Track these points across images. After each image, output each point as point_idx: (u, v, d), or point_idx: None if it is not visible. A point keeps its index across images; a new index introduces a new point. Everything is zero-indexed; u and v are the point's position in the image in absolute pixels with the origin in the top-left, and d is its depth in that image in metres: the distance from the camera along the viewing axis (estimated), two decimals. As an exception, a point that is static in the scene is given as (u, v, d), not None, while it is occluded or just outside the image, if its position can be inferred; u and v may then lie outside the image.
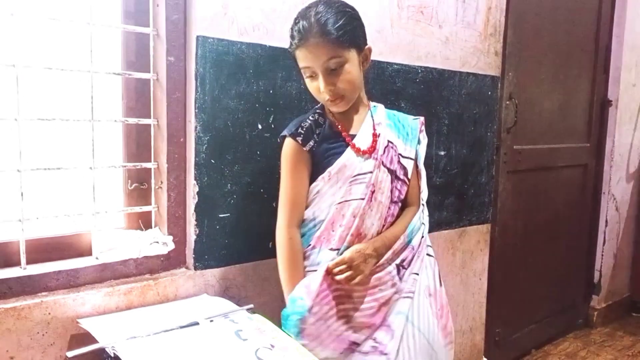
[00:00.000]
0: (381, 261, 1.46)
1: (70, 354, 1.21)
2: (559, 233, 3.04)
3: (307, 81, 1.44)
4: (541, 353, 2.95)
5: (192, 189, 1.53)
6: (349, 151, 1.46)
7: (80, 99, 1.44)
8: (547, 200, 2.92)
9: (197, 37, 1.48)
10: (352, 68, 1.40)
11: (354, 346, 1.44)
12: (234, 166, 1.59)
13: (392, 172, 1.50)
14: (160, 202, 1.57)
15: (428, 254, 1.58)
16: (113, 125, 1.55)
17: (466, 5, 2.20)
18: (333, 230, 1.45)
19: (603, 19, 3.10)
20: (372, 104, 1.58)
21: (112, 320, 1.34)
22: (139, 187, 1.60)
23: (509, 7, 2.39)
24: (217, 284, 1.60)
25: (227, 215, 1.59)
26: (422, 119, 1.63)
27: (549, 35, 2.74)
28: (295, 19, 1.39)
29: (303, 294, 1.39)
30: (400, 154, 1.52)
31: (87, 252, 1.48)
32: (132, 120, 1.53)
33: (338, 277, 1.39)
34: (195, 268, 1.56)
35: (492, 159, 2.43)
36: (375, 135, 1.50)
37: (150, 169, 1.56)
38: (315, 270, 1.43)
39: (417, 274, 1.53)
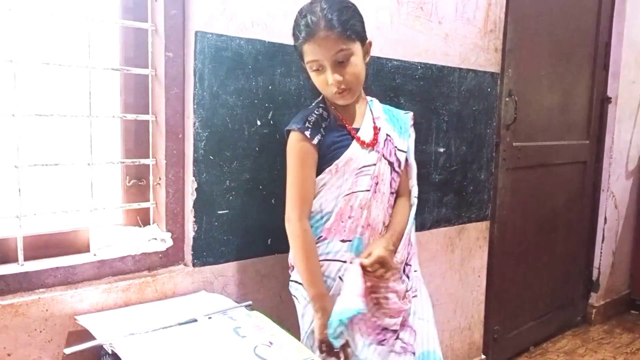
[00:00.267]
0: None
1: (67, 350, 1.20)
2: (558, 230, 3.04)
3: (313, 75, 1.46)
4: (540, 350, 2.95)
5: (190, 185, 1.53)
6: (354, 144, 1.50)
7: (78, 94, 1.44)
8: (546, 197, 2.92)
9: (196, 32, 1.47)
10: (358, 61, 1.44)
11: (383, 332, 1.49)
12: (232, 162, 1.58)
13: (391, 164, 1.55)
14: (158, 198, 1.56)
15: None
16: (111, 121, 1.55)
17: (466, 2, 2.19)
18: (342, 222, 1.49)
19: (603, 15, 3.09)
20: (368, 98, 1.62)
21: (110, 317, 1.34)
22: (137, 183, 1.59)
23: (509, 3, 2.39)
24: (216, 280, 1.60)
25: (225, 211, 1.58)
26: (412, 113, 1.68)
27: (549, 32, 2.74)
28: (301, 14, 1.41)
29: (360, 304, 1.39)
30: (396, 147, 1.57)
31: (85, 249, 1.47)
32: (131, 116, 1.53)
33: (377, 274, 1.43)
34: (194, 265, 1.55)
35: (492, 155, 2.43)
36: (376, 129, 1.55)
37: (149, 165, 1.56)
38: (326, 260, 1.48)
39: (417, 271, 1.60)
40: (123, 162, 1.56)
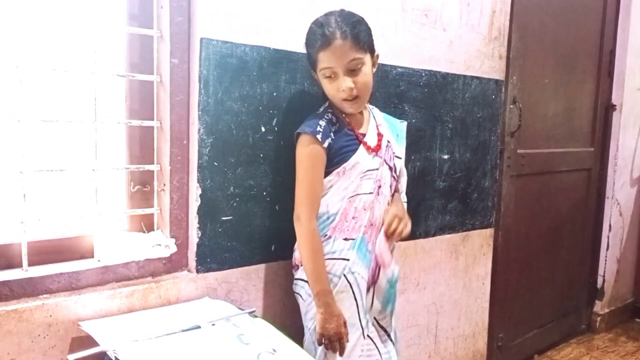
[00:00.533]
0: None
1: (71, 357, 1.20)
2: (562, 238, 3.03)
3: (325, 82, 1.53)
4: (544, 358, 2.94)
5: (194, 191, 1.53)
6: (361, 148, 1.59)
7: (83, 100, 1.44)
8: (551, 204, 2.91)
9: (201, 39, 1.48)
10: (368, 71, 1.53)
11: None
12: (237, 169, 1.58)
13: (391, 169, 1.66)
14: (162, 204, 1.56)
15: None
16: (116, 127, 1.55)
17: (470, 9, 2.19)
18: (346, 222, 1.57)
19: (607, 23, 3.09)
20: (369, 105, 1.71)
21: (113, 323, 1.33)
22: (142, 189, 1.59)
23: (513, 10, 2.39)
24: (220, 287, 1.59)
25: (229, 218, 1.58)
26: (405, 122, 1.80)
27: (553, 39, 2.74)
28: (317, 25, 1.50)
29: (395, 268, 1.64)
30: (394, 153, 1.68)
31: (89, 255, 1.47)
32: (136, 122, 1.53)
33: (398, 231, 1.61)
34: (198, 271, 1.55)
35: (496, 163, 2.42)
36: (380, 135, 1.65)
37: (153, 171, 1.56)
38: (332, 259, 1.56)
39: None
40: (128, 168, 1.56)
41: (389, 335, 1.68)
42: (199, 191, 1.52)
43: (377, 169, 1.60)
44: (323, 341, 1.51)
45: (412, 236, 2.08)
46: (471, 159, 2.30)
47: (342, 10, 1.52)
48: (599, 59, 3.09)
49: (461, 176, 2.27)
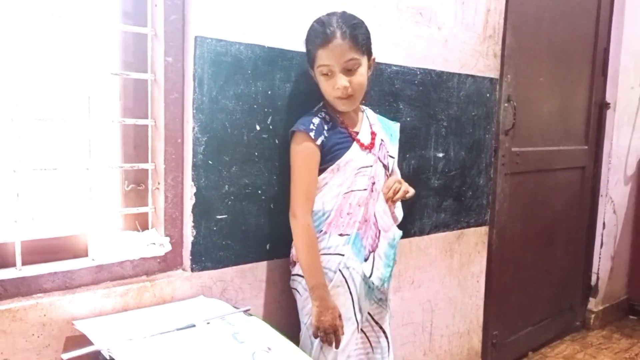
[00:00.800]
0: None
1: (65, 356, 1.20)
2: (556, 235, 3.04)
3: (322, 80, 1.57)
4: (538, 355, 2.95)
5: (189, 190, 1.52)
6: (355, 145, 1.62)
7: (77, 99, 1.43)
8: (545, 202, 2.92)
9: (195, 37, 1.48)
10: (364, 72, 1.58)
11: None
12: (231, 167, 1.58)
13: (385, 167, 1.69)
14: (157, 203, 1.56)
15: None
16: (110, 126, 1.54)
17: (465, 7, 2.19)
18: (341, 217, 1.60)
19: (602, 21, 3.10)
20: (362, 106, 1.75)
21: (108, 322, 1.33)
22: (136, 188, 1.59)
23: (508, 9, 2.39)
24: (214, 285, 1.59)
25: (224, 216, 1.58)
26: (398, 124, 1.84)
27: (548, 37, 2.74)
28: (318, 23, 1.54)
29: (397, 232, 1.71)
30: (387, 152, 1.72)
31: (83, 254, 1.47)
32: (130, 121, 1.52)
33: (398, 195, 1.67)
34: (192, 270, 1.55)
35: (490, 161, 2.43)
36: (373, 134, 1.68)
37: (148, 169, 1.55)
38: (327, 254, 1.59)
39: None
40: (122, 167, 1.55)
41: (383, 331, 1.70)
42: (194, 190, 1.52)
43: (371, 166, 1.63)
44: (319, 334, 1.53)
45: (407, 234, 2.08)
46: (466, 157, 2.30)
47: (344, 12, 1.56)
48: (593, 58, 3.10)
49: (456, 174, 2.27)
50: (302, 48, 1.60)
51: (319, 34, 1.52)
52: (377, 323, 1.69)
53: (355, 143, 1.62)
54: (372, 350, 1.67)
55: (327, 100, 1.61)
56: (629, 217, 3.50)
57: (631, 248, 3.56)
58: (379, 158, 1.66)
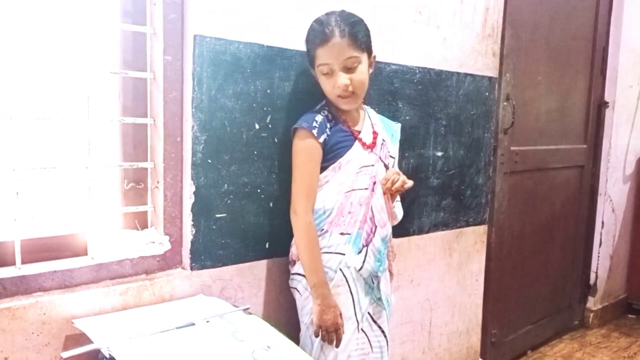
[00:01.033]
0: None
1: (65, 354, 1.20)
2: (555, 234, 3.04)
3: (323, 79, 1.57)
4: (537, 354, 2.96)
5: (188, 188, 1.52)
6: (357, 144, 1.63)
7: (76, 97, 1.43)
8: (544, 201, 2.93)
9: (195, 36, 1.48)
10: (364, 69, 1.57)
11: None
12: (230, 166, 1.58)
13: (386, 167, 1.69)
14: (156, 202, 1.56)
15: None
16: (109, 125, 1.54)
17: (464, 6, 2.19)
18: (342, 216, 1.60)
19: (600, 20, 3.10)
20: (364, 105, 1.75)
21: (107, 321, 1.33)
22: (136, 186, 1.59)
23: (507, 8, 2.40)
24: (214, 284, 1.59)
25: (223, 215, 1.58)
26: (400, 124, 1.84)
27: (546, 36, 2.75)
28: (317, 22, 1.55)
29: (389, 229, 1.70)
30: (389, 152, 1.72)
31: (83, 252, 1.47)
32: (129, 120, 1.52)
33: (396, 186, 1.64)
34: (192, 268, 1.55)
35: (489, 160, 2.43)
36: (375, 133, 1.68)
37: (147, 168, 1.55)
38: (328, 253, 1.58)
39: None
40: (121, 166, 1.55)
41: (382, 331, 1.69)
42: (193, 188, 1.52)
43: (373, 165, 1.63)
44: (320, 332, 1.53)
45: (406, 233, 2.09)
46: (465, 156, 2.30)
47: (343, 11, 1.57)
48: (592, 57, 3.11)
49: (455, 173, 2.27)
50: (302, 47, 1.61)
51: (317, 33, 1.53)
52: (375, 322, 1.68)
53: (357, 142, 1.62)
54: (372, 350, 1.67)
55: (329, 99, 1.61)
56: (627, 216, 3.50)
57: (630, 247, 3.57)
58: (380, 158, 1.66)
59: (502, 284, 2.65)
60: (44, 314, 1.30)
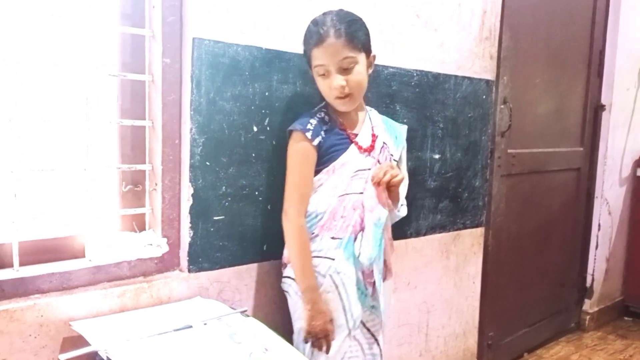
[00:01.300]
0: None
1: (62, 357, 1.20)
2: (552, 237, 3.05)
3: (319, 80, 1.55)
4: (534, 357, 2.96)
5: (186, 191, 1.53)
6: (352, 148, 1.60)
7: (75, 99, 1.44)
8: (541, 204, 2.93)
9: (193, 39, 1.48)
10: (362, 70, 1.53)
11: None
12: (229, 168, 1.58)
13: None
14: (154, 204, 1.56)
15: None
16: (108, 127, 1.55)
17: (461, 9, 2.20)
18: (334, 220, 1.57)
19: (597, 23, 3.11)
20: (368, 107, 1.71)
21: (105, 323, 1.33)
22: (134, 188, 1.59)
23: (504, 11, 2.40)
24: (211, 286, 1.59)
25: (221, 217, 1.59)
26: (406, 127, 1.80)
27: (544, 39, 2.75)
28: (313, 23, 1.52)
29: (382, 213, 1.59)
30: (391, 154, 1.68)
31: (81, 254, 1.47)
32: (127, 122, 1.53)
33: (385, 179, 1.55)
34: (190, 270, 1.55)
35: (487, 162, 2.44)
36: (374, 136, 1.65)
37: (145, 170, 1.55)
38: (318, 257, 1.55)
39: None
40: (119, 168, 1.56)
41: (376, 339, 1.66)
42: (191, 191, 1.52)
43: (369, 169, 1.60)
44: (310, 339, 1.51)
45: (403, 235, 2.09)
46: (462, 159, 2.31)
47: (341, 10, 1.53)
48: (588, 59, 3.12)
49: (452, 176, 2.28)
50: (300, 50, 1.61)
51: (313, 33, 1.50)
52: (369, 330, 1.64)
53: (352, 145, 1.59)
54: (365, 358, 1.63)
55: (327, 101, 1.59)
56: (624, 218, 3.51)
57: (626, 249, 3.58)
58: (378, 161, 1.62)
59: (499, 286, 2.66)
60: (42, 316, 1.31)
